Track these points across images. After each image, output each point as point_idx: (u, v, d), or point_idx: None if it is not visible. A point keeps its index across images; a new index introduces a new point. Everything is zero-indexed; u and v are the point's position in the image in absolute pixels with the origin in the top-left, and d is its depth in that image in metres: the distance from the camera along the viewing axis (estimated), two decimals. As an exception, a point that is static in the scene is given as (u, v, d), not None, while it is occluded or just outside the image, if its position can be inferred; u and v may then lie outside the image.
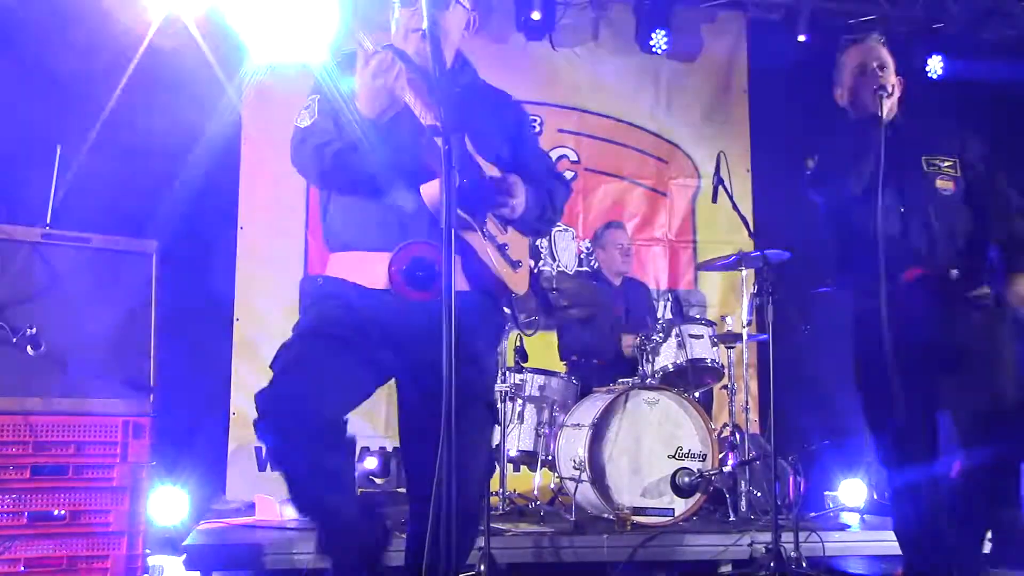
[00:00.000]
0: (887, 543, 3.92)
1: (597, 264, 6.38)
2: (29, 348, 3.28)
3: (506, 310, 2.95)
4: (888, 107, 3.57)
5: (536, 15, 6.78)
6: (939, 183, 3.59)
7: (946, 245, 3.51)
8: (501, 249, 2.75)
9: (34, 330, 3.27)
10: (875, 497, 5.34)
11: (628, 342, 5.71)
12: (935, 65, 7.24)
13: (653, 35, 6.99)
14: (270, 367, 2.63)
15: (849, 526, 5.14)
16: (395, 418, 2.88)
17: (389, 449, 5.53)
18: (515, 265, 2.80)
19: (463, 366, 2.54)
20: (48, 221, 3.71)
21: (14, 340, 3.27)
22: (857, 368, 3.67)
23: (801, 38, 7.10)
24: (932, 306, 3.46)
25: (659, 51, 7.04)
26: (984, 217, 3.59)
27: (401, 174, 2.60)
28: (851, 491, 5.76)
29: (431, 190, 2.57)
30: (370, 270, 2.67)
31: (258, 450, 6.12)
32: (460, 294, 2.56)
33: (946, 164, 3.63)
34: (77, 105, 5.52)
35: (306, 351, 2.60)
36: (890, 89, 3.60)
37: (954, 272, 3.47)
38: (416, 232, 2.64)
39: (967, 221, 3.56)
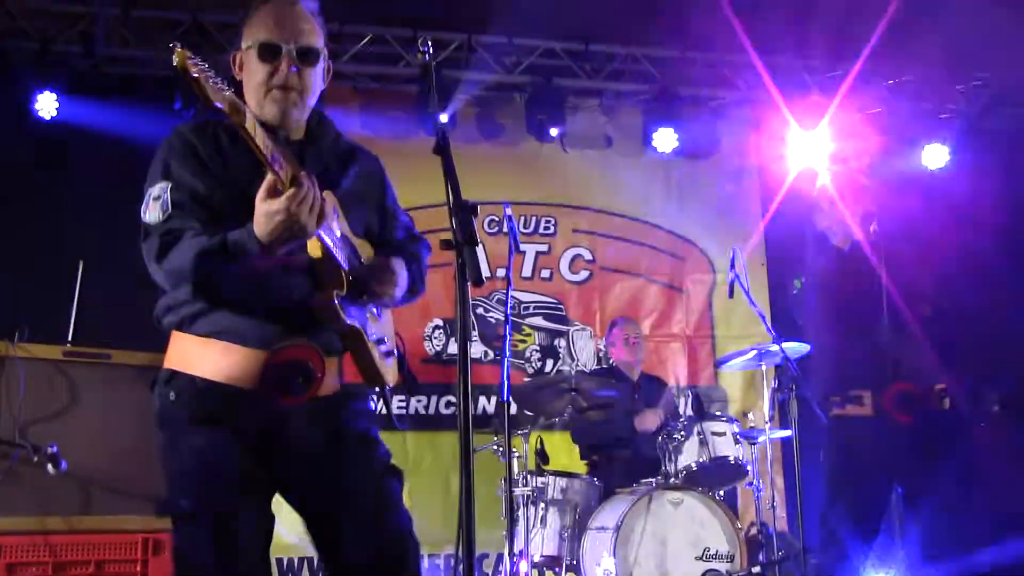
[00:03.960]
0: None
1: (613, 361, 6.37)
2: (50, 466, 3.27)
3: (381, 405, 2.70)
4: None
5: (554, 131, 6.96)
6: None
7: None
8: (379, 344, 2.55)
9: (55, 449, 3.27)
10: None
11: (647, 421, 5.64)
12: (938, 155, 7.25)
13: (656, 134, 7.07)
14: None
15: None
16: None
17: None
18: (389, 356, 2.61)
19: (379, 456, 2.54)
20: (70, 338, 3.75)
21: (35, 459, 3.26)
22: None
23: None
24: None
25: (668, 150, 7.13)
26: None
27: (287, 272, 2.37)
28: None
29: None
30: (240, 367, 2.34)
31: (279, 560, 6.05)
32: (348, 389, 2.53)
33: None
34: (97, 219, 5.63)
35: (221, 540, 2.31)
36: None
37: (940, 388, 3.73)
38: (296, 329, 2.38)
39: None
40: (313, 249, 2.32)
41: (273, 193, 2.16)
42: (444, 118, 6.26)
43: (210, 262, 2.24)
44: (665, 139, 7.09)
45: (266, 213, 2.17)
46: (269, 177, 2.16)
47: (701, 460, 5.20)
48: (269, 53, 2.42)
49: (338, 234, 2.41)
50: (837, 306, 3.79)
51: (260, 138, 2.12)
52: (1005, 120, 7.37)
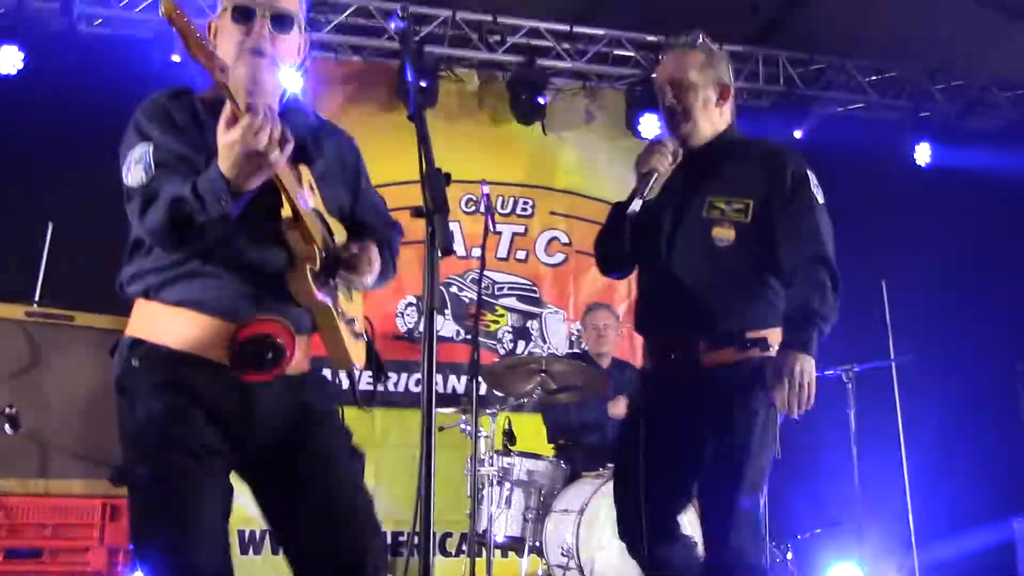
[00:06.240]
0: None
1: (586, 346, 6.35)
2: (7, 427, 3.23)
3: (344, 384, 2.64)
4: (685, 133, 3.15)
5: (541, 99, 6.90)
6: (716, 231, 3.07)
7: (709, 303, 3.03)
8: (350, 324, 2.51)
9: (13, 409, 3.23)
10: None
11: (618, 407, 5.62)
12: (923, 153, 7.35)
13: (643, 120, 7.07)
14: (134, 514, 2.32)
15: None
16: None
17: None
18: (358, 337, 2.56)
19: (342, 437, 2.50)
20: (37, 298, 3.70)
21: (-7, 419, 3.22)
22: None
23: (797, 134, 7.22)
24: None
25: (650, 136, 7.11)
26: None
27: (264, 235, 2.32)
28: (844, 578, 5.66)
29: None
30: (207, 338, 2.29)
31: (241, 532, 6.01)
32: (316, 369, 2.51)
33: (735, 207, 3.09)
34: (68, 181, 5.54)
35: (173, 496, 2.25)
36: (680, 110, 3.13)
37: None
38: (267, 304, 2.33)
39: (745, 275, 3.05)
40: (285, 209, 2.27)
41: (231, 124, 2.13)
42: (422, 84, 6.20)
43: (183, 209, 2.19)
44: (650, 125, 7.08)
45: (226, 144, 2.14)
46: (226, 107, 2.13)
47: (668, 446, 5.20)
48: (243, 15, 2.37)
49: (311, 207, 2.38)
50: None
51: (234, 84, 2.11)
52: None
